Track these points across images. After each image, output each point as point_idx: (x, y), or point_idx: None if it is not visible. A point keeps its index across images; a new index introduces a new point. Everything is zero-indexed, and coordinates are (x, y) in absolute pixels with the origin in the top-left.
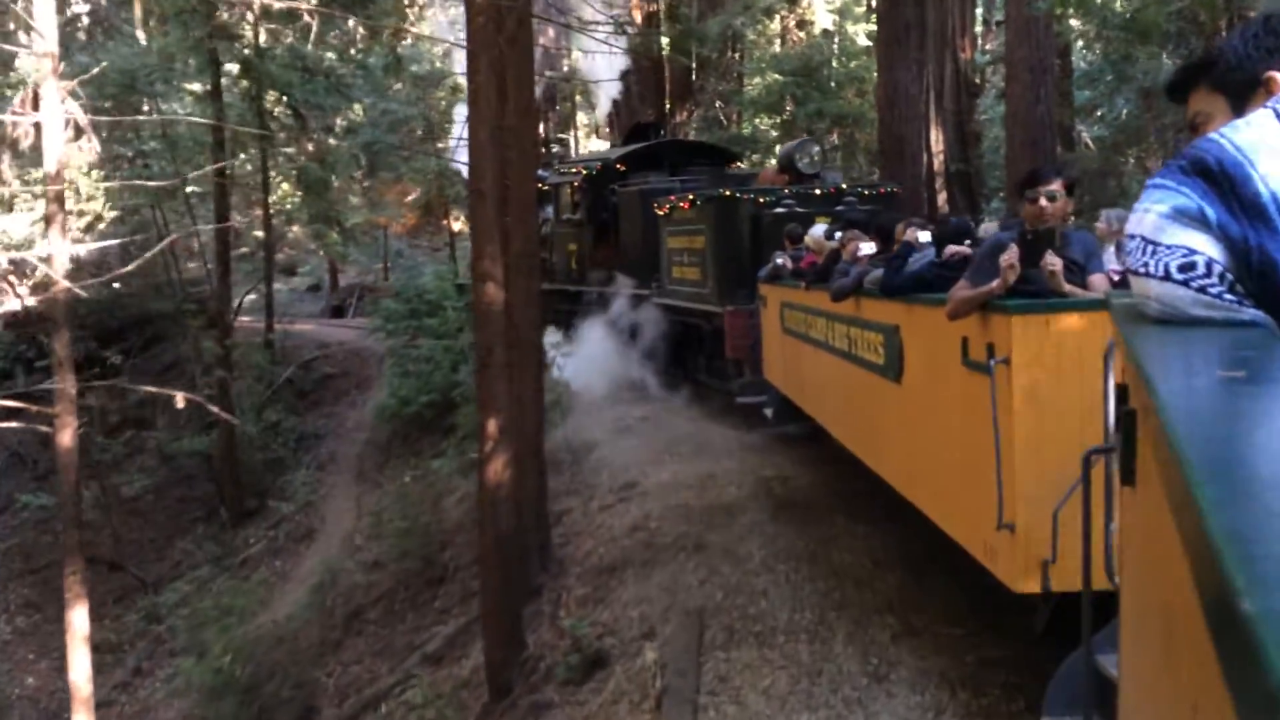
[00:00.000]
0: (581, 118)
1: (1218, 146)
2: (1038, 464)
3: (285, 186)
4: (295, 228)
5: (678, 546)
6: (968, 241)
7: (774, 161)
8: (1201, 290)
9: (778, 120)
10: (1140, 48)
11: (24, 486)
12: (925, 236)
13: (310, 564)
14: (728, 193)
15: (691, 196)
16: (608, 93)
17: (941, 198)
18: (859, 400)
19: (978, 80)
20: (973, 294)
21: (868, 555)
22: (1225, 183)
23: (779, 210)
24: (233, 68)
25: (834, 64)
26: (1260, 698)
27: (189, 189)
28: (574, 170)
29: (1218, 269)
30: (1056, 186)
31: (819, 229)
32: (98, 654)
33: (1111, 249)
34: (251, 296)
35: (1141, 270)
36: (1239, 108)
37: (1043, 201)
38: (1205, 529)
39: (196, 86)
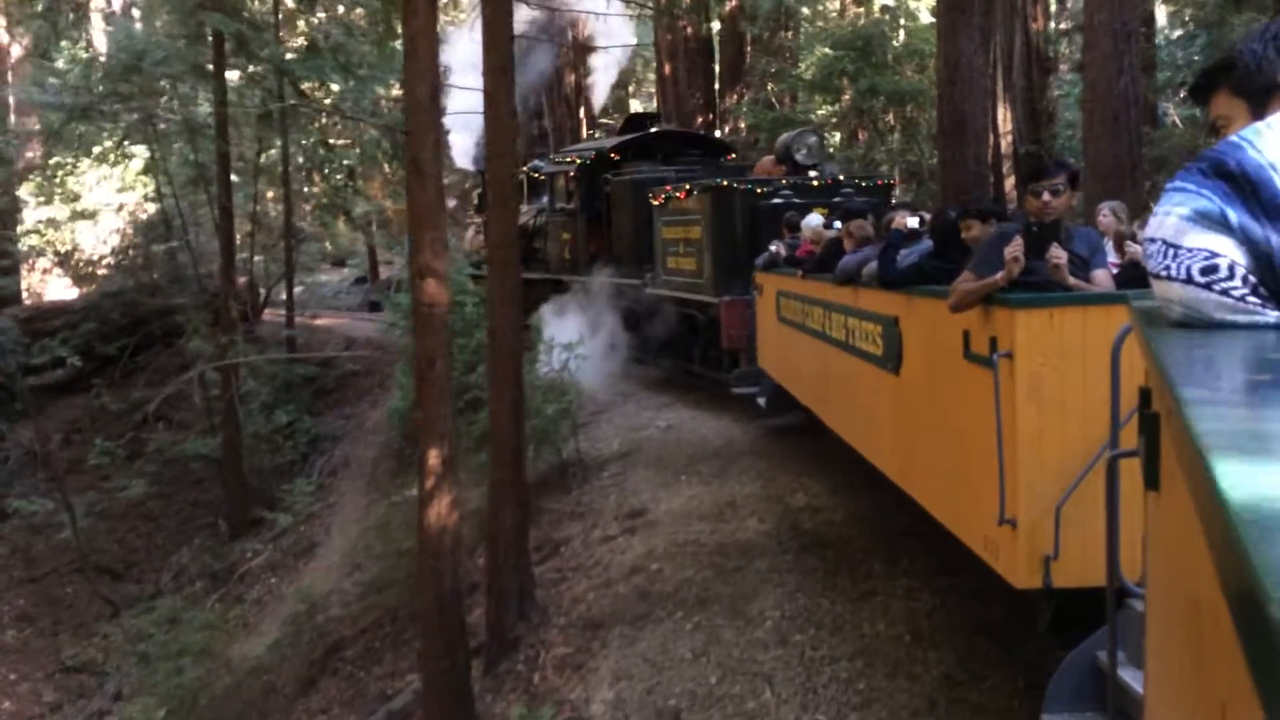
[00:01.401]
0: (635, 105)
1: (1238, 149)
2: (1040, 459)
3: (338, 176)
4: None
5: (678, 599)
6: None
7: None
8: (1224, 293)
9: (833, 101)
10: (1237, 14)
11: (37, 488)
12: (914, 222)
13: (306, 582)
14: (725, 183)
15: (688, 186)
16: (616, 59)
17: (1009, 182)
18: (856, 391)
19: (1050, 55)
20: (976, 286)
21: (907, 624)
22: (1246, 186)
23: (776, 201)
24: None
25: (890, 37)
26: None
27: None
28: (568, 160)
29: (1240, 272)
30: (1060, 181)
31: (815, 219)
32: (79, 675)
33: (1110, 242)
34: (297, 289)
35: (1163, 273)
36: (1259, 112)
37: (1045, 196)
38: (1232, 533)
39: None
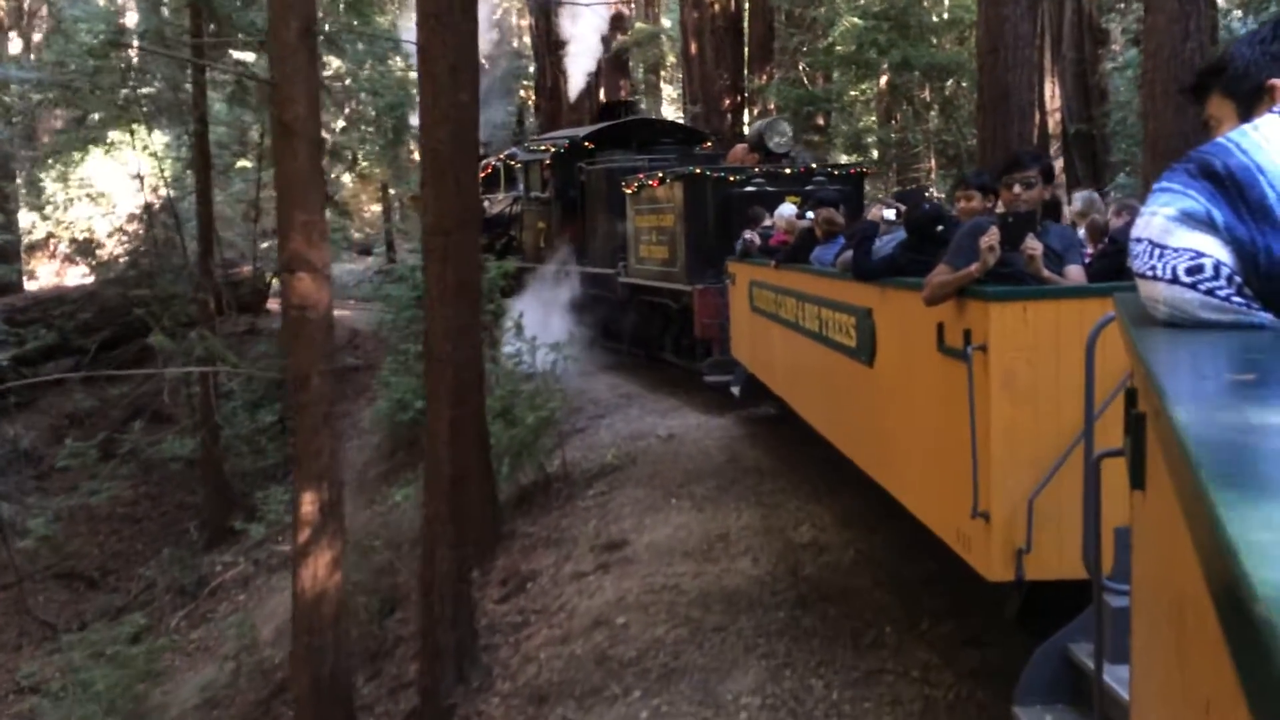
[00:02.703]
0: (669, 91)
1: (1225, 150)
2: (1013, 452)
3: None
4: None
5: (640, 669)
6: (940, 229)
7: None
8: (1210, 293)
9: (866, 77)
10: None
11: (22, 486)
12: (890, 214)
13: (280, 599)
14: (697, 171)
15: (661, 175)
16: (596, 25)
17: (1058, 165)
18: (829, 382)
19: (1104, 26)
20: (951, 278)
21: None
22: (1232, 186)
23: (749, 189)
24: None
25: (930, 9)
26: (1274, 699)
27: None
28: (543, 148)
29: (1226, 271)
30: (1033, 174)
31: (788, 208)
32: (34, 695)
33: (1082, 231)
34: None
35: (1149, 273)
36: (1246, 114)
37: (1017, 188)
38: (1218, 533)
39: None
